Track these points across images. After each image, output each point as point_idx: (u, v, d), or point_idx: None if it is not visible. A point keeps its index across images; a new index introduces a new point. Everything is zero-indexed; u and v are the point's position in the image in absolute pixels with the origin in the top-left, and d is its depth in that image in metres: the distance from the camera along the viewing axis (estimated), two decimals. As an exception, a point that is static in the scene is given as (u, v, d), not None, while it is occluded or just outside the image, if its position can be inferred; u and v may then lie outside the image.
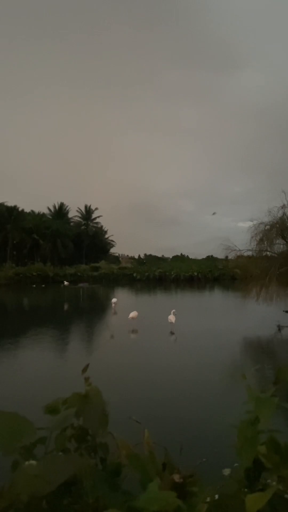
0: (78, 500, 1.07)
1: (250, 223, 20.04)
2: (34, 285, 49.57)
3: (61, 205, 79.73)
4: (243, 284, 20.27)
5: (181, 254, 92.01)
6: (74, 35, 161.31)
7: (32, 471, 0.98)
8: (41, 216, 75.55)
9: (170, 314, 17.82)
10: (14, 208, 68.30)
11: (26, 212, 72.58)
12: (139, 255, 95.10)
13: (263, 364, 12.10)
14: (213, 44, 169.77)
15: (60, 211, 79.38)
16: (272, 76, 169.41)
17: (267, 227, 19.60)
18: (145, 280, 59.45)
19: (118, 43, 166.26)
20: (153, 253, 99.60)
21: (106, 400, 1.27)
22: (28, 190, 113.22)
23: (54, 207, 79.37)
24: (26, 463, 1.02)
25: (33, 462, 1.02)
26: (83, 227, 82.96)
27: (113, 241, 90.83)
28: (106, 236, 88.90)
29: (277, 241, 19.82)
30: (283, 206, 19.51)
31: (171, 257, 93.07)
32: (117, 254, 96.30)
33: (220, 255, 23.59)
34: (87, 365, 1.44)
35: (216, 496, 1.19)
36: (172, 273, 60.00)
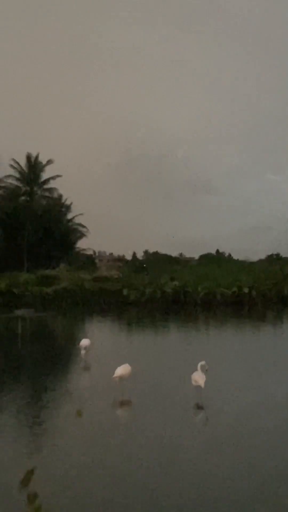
0: None
1: None
2: None
3: None
4: None
5: (217, 251, 55.26)
6: None
7: None
8: None
9: (195, 370, 9.79)
10: None
11: None
12: (134, 254, 56.96)
13: None
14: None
15: None
16: None
17: None
18: (145, 303, 34.06)
19: None
20: (162, 250, 58.49)
21: None
22: None
23: None
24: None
25: None
26: (22, 197, 47.79)
27: (83, 227, 51.76)
28: (70, 216, 51.42)
29: None
30: None
31: (196, 257, 55.22)
32: (91, 252, 56.41)
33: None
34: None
35: None
36: (200, 289, 33.73)
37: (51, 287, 36.25)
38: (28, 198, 48.24)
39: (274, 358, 14.97)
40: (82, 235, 53.19)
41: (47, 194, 49.27)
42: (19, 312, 29.43)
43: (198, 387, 9.55)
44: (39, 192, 49.06)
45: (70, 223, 52.42)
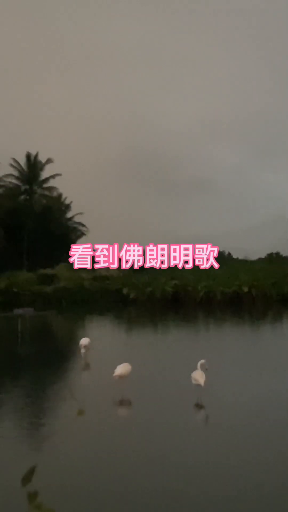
0: None
1: None
2: None
3: None
4: None
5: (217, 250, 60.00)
6: None
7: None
8: None
9: (195, 368, 9.69)
10: None
11: None
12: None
13: None
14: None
15: None
16: None
17: None
18: (145, 301, 34.69)
19: None
20: (162, 249, 66.35)
21: None
22: None
23: None
24: None
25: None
26: (22, 196, 48.57)
27: (83, 226, 53.38)
28: (70, 215, 52.78)
29: None
30: None
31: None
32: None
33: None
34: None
35: None
36: (200, 287, 35.07)
37: (50, 286, 36.26)
38: (27, 197, 48.43)
39: (274, 357, 14.89)
40: (82, 234, 53.84)
41: (46, 193, 49.27)
42: (18, 311, 28.98)
43: (198, 386, 9.49)
44: (38, 191, 49.10)
45: (69, 222, 53.17)
